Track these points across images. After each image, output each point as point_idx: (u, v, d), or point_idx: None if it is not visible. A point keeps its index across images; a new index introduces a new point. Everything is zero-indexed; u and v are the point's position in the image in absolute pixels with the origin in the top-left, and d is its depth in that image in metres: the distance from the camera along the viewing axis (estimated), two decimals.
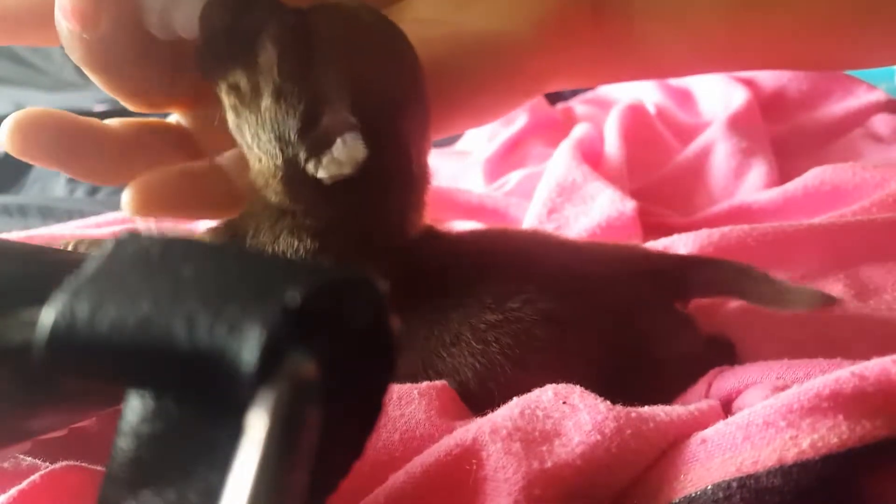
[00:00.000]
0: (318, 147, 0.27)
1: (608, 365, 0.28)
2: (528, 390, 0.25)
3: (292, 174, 0.28)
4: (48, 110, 0.28)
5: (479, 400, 0.27)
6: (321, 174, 0.27)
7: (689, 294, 0.32)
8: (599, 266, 0.31)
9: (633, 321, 0.29)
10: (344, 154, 0.27)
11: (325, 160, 0.27)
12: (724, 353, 0.31)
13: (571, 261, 0.31)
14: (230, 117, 0.29)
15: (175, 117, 0.33)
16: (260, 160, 0.29)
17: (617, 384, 0.25)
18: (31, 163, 0.29)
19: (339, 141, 0.27)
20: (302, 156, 0.28)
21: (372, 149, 0.27)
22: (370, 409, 0.16)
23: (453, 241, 0.33)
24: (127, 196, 0.28)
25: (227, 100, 0.29)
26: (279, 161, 0.28)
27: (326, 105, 0.27)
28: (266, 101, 0.28)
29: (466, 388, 0.28)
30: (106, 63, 0.28)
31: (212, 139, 0.32)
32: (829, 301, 0.29)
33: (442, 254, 0.32)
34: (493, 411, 0.24)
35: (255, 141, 0.28)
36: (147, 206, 0.28)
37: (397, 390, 0.27)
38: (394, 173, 0.30)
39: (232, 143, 0.31)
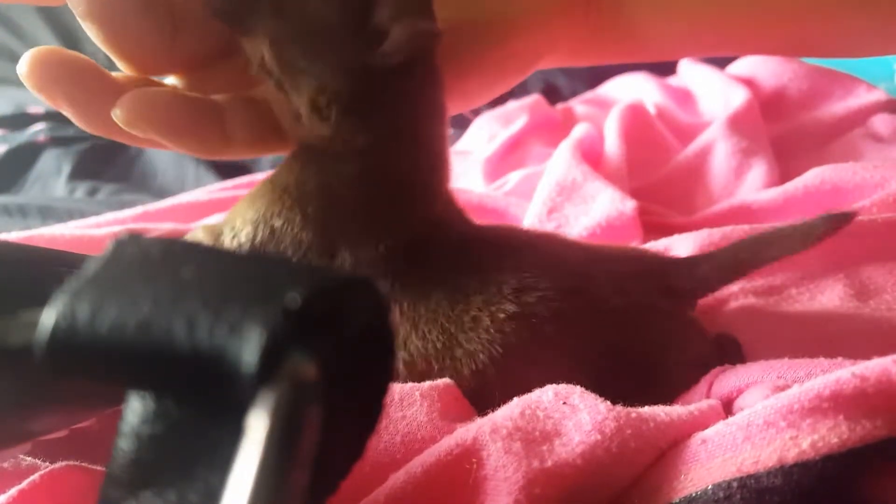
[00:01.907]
0: (377, 39, 0.28)
1: (614, 364, 0.28)
2: (533, 382, 0.25)
3: (348, 91, 0.29)
4: (63, 49, 0.28)
5: (486, 386, 0.28)
6: (391, 59, 0.28)
7: (694, 292, 0.32)
8: (609, 266, 0.31)
9: (641, 322, 0.29)
10: (405, 36, 0.28)
11: (388, 47, 0.28)
12: (730, 352, 0.31)
13: (582, 260, 0.31)
14: (270, 54, 0.29)
15: (172, 83, 0.33)
16: (311, 88, 0.29)
17: (624, 385, 0.25)
18: (46, 99, 0.28)
19: (397, 27, 0.27)
20: (363, 53, 0.28)
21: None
22: (371, 411, 0.16)
23: (475, 226, 0.34)
24: (120, 106, 0.28)
25: (269, 29, 0.29)
26: (336, 77, 0.29)
27: (376, 4, 0.28)
28: (320, 6, 0.28)
29: (481, 375, 0.28)
30: (107, 15, 0.28)
31: None
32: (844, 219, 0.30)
33: (463, 235, 0.32)
34: (493, 411, 0.24)
35: (309, 65, 0.29)
36: (137, 118, 0.28)
37: (399, 391, 0.27)
38: (434, 97, 0.31)
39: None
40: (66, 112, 0.29)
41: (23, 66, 0.28)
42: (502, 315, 0.28)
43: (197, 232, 0.34)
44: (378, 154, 0.30)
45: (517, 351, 0.28)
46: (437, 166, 0.32)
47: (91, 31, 0.29)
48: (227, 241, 0.31)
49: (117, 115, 0.28)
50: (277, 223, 0.30)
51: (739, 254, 0.31)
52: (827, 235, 0.30)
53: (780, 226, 0.32)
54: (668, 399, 0.28)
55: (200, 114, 0.30)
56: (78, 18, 0.28)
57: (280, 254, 0.30)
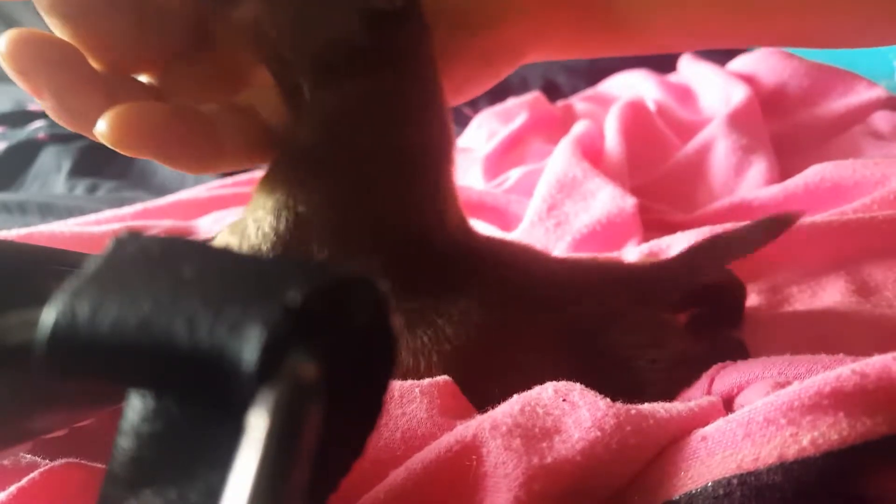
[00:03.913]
0: None
1: (591, 367, 0.28)
2: (514, 385, 0.25)
3: (357, 45, 0.28)
4: (47, 32, 0.27)
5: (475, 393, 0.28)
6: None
7: (663, 296, 0.33)
8: (584, 277, 0.32)
9: (613, 326, 0.30)
10: None
11: None
12: (733, 351, 0.31)
13: (559, 271, 0.32)
14: (267, 16, 0.28)
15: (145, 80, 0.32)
16: (317, 44, 0.28)
17: (603, 385, 0.25)
18: (26, 86, 0.27)
19: None
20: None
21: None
22: (371, 409, 0.16)
23: (468, 230, 0.33)
24: (105, 122, 0.26)
25: (258, 7, 0.28)
26: (345, 29, 0.28)
27: None
28: None
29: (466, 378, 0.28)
30: (73, 13, 0.27)
31: (183, 101, 0.31)
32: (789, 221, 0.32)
33: (458, 240, 0.32)
34: (493, 408, 0.24)
35: (310, 23, 0.28)
36: (124, 136, 0.26)
37: (399, 388, 0.27)
38: (434, 74, 0.31)
39: (205, 100, 0.30)
40: (47, 102, 0.27)
41: (2, 45, 0.26)
42: (485, 318, 0.29)
43: (224, 232, 0.33)
44: (384, 133, 0.30)
45: (498, 354, 0.28)
46: (442, 144, 0.32)
47: (55, 27, 0.27)
48: (253, 235, 0.30)
49: (102, 133, 0.26)
50: (301, 209, 0.29)
51: (696, 258, 0.32)
52: (774, 237, 0.32)
53: (731, 230, 0.34)
54: (653, 396, 0.28)
55: (190, 127, 0.29)
56: (41, 12, 0.27)
57: (281, 253, 0.30)
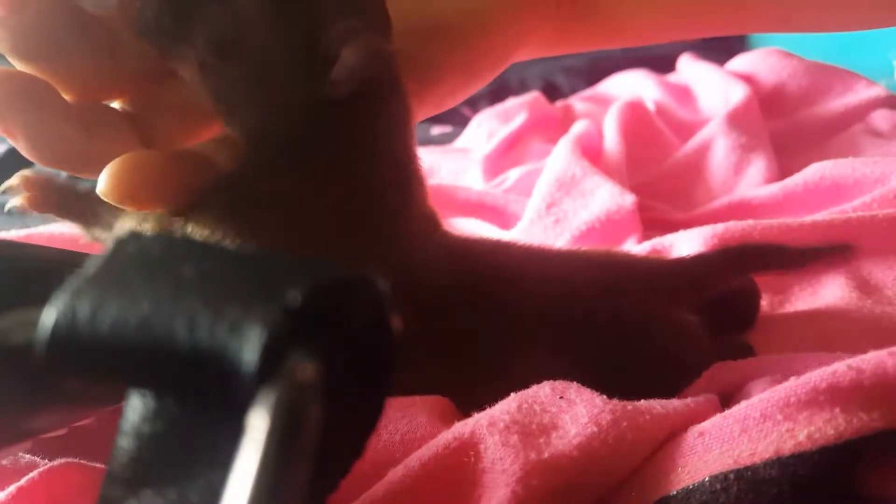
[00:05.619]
0: (326, 66, 0.25)
1: (614, 371, 0.28)
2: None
3: (295, 127, 0.26)
4: (14, 69, 0.25)
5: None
6: (341, 89, 0.25)
7: (686, 294, 0.32)
8: (604, 275, 0.31)
9: (637, 328, 0.30)
10: (356, 60, 0.24)
11: (336, 74, 0.24)
12: (741, 354, 0.31)
13: (576, 270, 0.31)
14: (205, 82, 0.26)
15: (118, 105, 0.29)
16: (250, 123, 0.26)
17: (626, 390, 0.25)
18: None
19: (347, 50, 0.24)
20: (311, 84, 0.25)
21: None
22: (371, 409, 0.16)
23: (461, 245, 0.32)
24: (106, 178, 0.25)
25: (203, 60, 0.25)
26: (280, 113, 0.26)
27: (327, 24, 0.25)
28: (263, 36, 0.24)
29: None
30: (38, 51, 0.25)
31: (162, 123, 0.29)
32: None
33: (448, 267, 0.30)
34: (490, 407, 0.24)
35: (246, 99, 0.26)
36: (128, 190, 0.25)
37: None
38: (398, 115, 0.28)
39: (184, 121, 0.28)
40: (21, 143, 0.26)
41: None
42: (504, 329, 0.28)
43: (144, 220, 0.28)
44: (334, 196, 0.27)
45: (519, 362, 0.28)
46: (405, 204, 0.29)
47: (21, 65, 0.26)
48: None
49: (104, 192, 0.25)
50: (243, 233, 0.26)
51: (729, 261, 0.33)
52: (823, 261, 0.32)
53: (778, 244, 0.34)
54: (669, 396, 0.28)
55: (193, 171, 0.27)
56: (3, 53, 0.25)
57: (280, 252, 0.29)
